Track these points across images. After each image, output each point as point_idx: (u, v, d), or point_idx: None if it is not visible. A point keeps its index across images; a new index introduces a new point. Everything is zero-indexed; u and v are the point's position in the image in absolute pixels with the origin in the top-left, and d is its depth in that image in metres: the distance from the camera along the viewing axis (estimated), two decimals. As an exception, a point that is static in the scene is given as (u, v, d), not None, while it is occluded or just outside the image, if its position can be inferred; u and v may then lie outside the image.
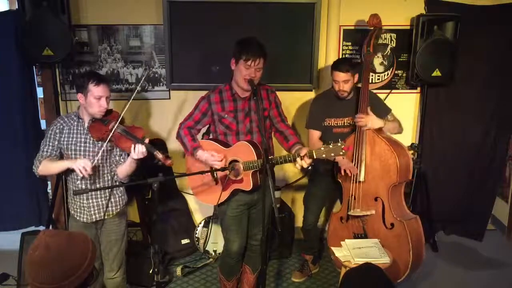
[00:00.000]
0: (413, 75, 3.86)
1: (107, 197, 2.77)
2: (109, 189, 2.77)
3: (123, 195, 2.89)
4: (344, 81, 3.25)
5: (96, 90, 2.59)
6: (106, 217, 2.80)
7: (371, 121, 3.22)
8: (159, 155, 2.57)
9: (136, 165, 2.68)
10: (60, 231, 1.85)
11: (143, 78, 3.01)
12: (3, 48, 3.68)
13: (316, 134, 3.38)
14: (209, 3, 3.78)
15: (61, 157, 2.72)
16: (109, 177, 2.78)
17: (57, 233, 1.66)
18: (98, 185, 2.73)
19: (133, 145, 2.56)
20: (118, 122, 2.63)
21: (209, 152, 2.79)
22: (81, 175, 2.54)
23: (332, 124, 3.40)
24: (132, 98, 2.78)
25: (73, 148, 2.69)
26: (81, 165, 2.52)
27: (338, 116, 3.39)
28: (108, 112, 2.71)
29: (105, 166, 2.75)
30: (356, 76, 3.30)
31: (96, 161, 2.64)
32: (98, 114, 2.66)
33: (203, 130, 3.15)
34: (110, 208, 2.81)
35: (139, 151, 2.54)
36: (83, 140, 2.69)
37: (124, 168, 2.71)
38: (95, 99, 2.61)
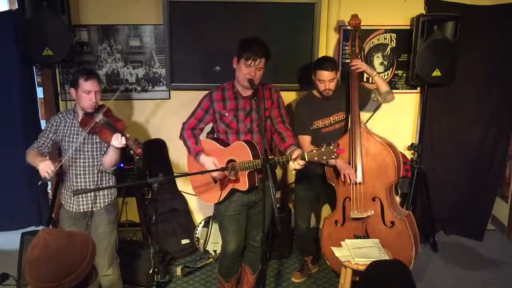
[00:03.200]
0: (413, 75, 3.85)
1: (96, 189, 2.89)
2: (98, 181, 2.86)
3: (112, 189, 2.97)
4: (330, 80, 3.24)
5: (85, 85, 2.73)
6: (94, 208, 2.89)
7: (366, 67, 3.35)
8: (131, 142, 2.65)
9: (118, 155, 2.77)
10: (60, 230, 1.86)
11: (117, 93, 3.04)
12: (3, 48, 3.69)
13: (307, 139, 3.32)
14: (209, 3, 3.78)
15: (59, 150, 2.92)
16: (97, 169, 2.86)
17: (57, 232, 1.66)
18: (86, 176, 2.85)
19: (113, 135, 2.66)
20: (102, 114, 2.74)
21: (212, 160, 2.80)
22: (43, 176, 2.63)
23: (320, 126, 3.39)
24: (114, 97, 3.00)
25: (66, 139, 2.84)
26: (43, 167, 2.62)
27: (324, 116, 3.38)
28: (100, 107, 2.83)
29: (95, 157, 2.85)
30: (339, 73, 3.33)
31: (71, 152, 2.78)
32: (89, 108, 2.78)
33: (207, 128, 3.15)
34: (98, 200, 2.90)
35: (118, 140, 2.63)
36: (75, 132, 2.83)
37: (108, 158, 2.80)
38: (84, 94, 2.74)
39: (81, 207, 2.88)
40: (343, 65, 3.98)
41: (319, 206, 4.09)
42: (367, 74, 3.43)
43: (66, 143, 2.84)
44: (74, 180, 2.86)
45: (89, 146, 2.83)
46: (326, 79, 3.23)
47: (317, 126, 3.39)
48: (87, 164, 2.84)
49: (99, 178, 2.87)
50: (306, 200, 3.58)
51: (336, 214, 3.39)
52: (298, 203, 3.63)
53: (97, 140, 2.83)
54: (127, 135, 2.66)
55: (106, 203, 2.93)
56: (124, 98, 4.04)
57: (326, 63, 3.25)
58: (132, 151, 2.66)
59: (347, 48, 4.03)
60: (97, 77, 2.81)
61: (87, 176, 2.85)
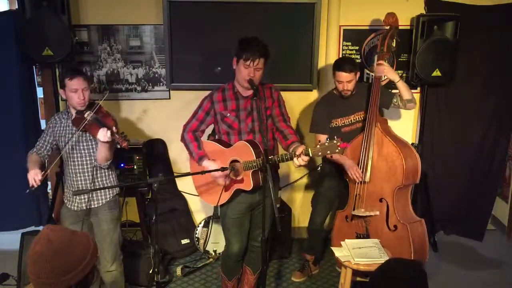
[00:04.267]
0: (413, 75, 3.85)
1: (93, 186, 2.90)
2: (94, 178, 2.88)
3: (112, 185, 2.97)
4: (348, 81, 3.26)
5: (70, 84, 2.77)
6: (94, 206, 2.91)
7: (389, 70, 3.33)
8: (116, 136, 2.64)
9: (107, 150, 2.77)
10: (64, 227, 1.86)
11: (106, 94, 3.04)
12: (3, 48, 3.69)
13: (323, 138, 3.30)
14: (209, 3, 3.79)
15: (58, 149, 2.94)
16: (91, 166, 2.88)
17: (61, 228, 1.67)
18: (83, 173, 2.87)
19: (100, 130, 2.67)
20: (93, 112, 2.76)
21: (214, 165, 2.79)
22: (31, 184, 2.69)
23: (339, 124, 3.41)
24: (105, 96, 2.99)
25: (62, 139, 2.88)
26: (31, 176, 2.69)
27: (344, 115, 3.40)
28: (92, 104, 2.84)
29: (91, 154, 2.87)
30: (358, 74, 3.31)
31: (66, 150, 2.83)
32: (79, 106, 2.80)
33: (208, 130, 3.15)
34: (98, 197, 2.92)
35: (102, 134, 2.64)
36: (69, 132, 2.87)
37: (98, 153, 2.81)
38: (72, 93, 2.78)
39: (82, 204, 2.90)
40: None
41: (338, 205, 4.06)
42: (390, 78, 3.40)
43: (62, 143, 2.88)
44: (74, 178, 2.88)
45: (83, 144, 2.85)
46: (344, 80, 3.26)
47: (336, 124, 3.41)
48: (83, 161, 2.86)
49: (96, 174, 2.89)
50: (326, 197, 3.59)
51: (347, 209, 3.42)
52: (317, 199, 3.64)
53: (91, 137, 2.85)
54: (114, 129, 2.65)
55: (108, 199, 2.94)
56: (124, 98, 4.04)
57: (344, 64, 3.26)
58: (118, 145, 2.67)
59: (347, 48, 4.04)
60: (83, 75, 2.83)
61: (84, 173, 2.87)
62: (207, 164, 2.81)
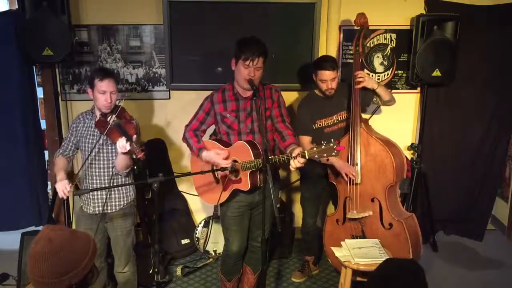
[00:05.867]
0: (413, 75, 3.85)
1: (109, 191, 2.88)
2: (111, 183, 2.86)
3: (128, 192, 2.96)
4: (331, 79, 3.25)
5: (100, 85, 2.74)
6: (109, 211, 2.90)
7: (368, 80, 3.29)
8: (134, 146, 2.61)
9: (127, 158, 2.75)
10: (64, 226, 1.87)
11: (125, 95, 3.04)
12: (3, 48, 3.68)
13: (307, 139, 3.34)
14: (209, 3, 3.78)
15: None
16: (110, 171, 2.85)
17: (60, 228, 1.67)
18: (101, 177, 2.86)
19: (119, 140, 2.64)
20: (115, 116, 2.74)
21: (213, 151, 2.80)
22: (61, 196, 2.70)
23: (323, 125, 3.40)
24: (124, 99, 2.92)
25: (83, 140, 2.86)
26: (60, 188, 2.69)
27: (327, 115, 3.40)
28: (115, 107, 2.81)
29: (110, 159, 2.84)
30: (339, 71, 3.30)
31: (89, 161, 2.81)
32: (104, 108, 2.78)
33: (210, 131, 3.15)
34: (113, 202, 2.90)
35: (121, 145, 2.61)
36: (91, 133, 2.84)
37: (118, 161, 2.79)
38: (100, 94, 2.75)
39: (96, 208, 2.88)
40: (343, 65, 3.99)
41: (324, 204, 4.07)
42: (370, 87, 3.36)
43: (83, 144, 2.86)
44: (90, 180, 2.87)
45: (104, 147, 2.83)
46: (328, 79, 3.24)
47: (319, 125, 3.40)
48: (102, 165, 2.84)
49: (113, 180, 2.87)
50: (312, 198, 3.59)
51: (337, 213, 3.41)
52: (304, 202, 3.65)
53: (111, 142, 2.81)
54: (133, 138, 2.63)
55: (122, 205, 2.93)
56: (124, 98, 4.02)
57: (326, 63, 3.26)
58: (134, 155, 2.64)
59: (347, 48, 4.04)
60: (113, 77, 2.80)
61: (102, 177, 2.85)
62: (207, 155, 2.81)
